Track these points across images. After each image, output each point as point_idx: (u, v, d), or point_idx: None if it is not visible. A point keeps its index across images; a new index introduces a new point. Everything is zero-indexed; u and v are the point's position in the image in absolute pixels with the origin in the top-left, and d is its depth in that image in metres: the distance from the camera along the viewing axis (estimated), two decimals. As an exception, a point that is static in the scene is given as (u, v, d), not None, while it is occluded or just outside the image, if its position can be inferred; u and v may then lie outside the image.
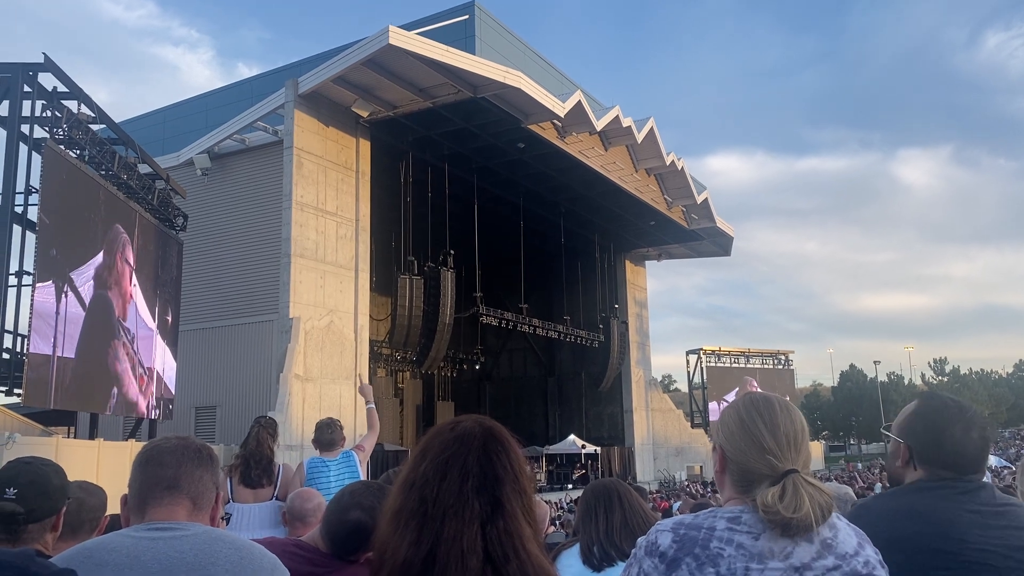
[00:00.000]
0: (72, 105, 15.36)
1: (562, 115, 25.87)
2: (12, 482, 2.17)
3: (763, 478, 1.66)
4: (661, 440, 40.83)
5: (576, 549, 2.79)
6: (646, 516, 2.84)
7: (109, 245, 16.10)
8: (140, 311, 17.70)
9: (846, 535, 1.68)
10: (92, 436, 16.77)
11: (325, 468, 5.26)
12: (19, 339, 14.13)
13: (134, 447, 16.69)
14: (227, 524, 4.47)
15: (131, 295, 17.22)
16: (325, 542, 2.33)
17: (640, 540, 1.73)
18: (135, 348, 17.40)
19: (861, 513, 2.10)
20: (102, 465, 14.90)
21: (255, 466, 5.14)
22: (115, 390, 16.41)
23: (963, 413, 2.19)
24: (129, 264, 16.99)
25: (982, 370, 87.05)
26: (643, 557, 1.68)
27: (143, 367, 17.81)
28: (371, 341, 26.09)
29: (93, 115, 16.20)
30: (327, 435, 5.44)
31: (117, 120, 18.49)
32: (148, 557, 1.61)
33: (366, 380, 6.48)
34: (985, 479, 2.22)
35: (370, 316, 25.77)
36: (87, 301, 15.30)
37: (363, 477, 5.35)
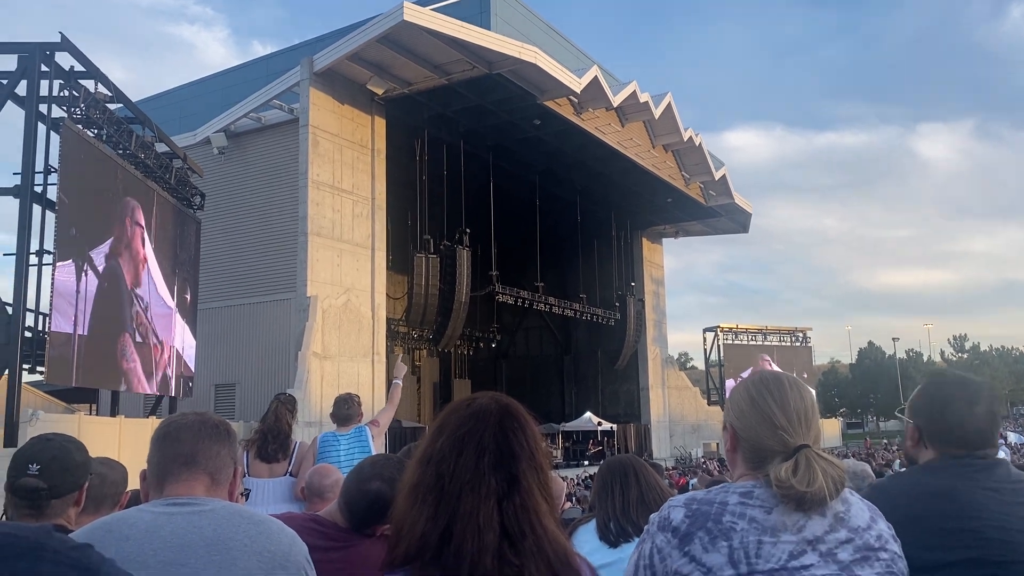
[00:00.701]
0: (89, 84, 15.41)
1: (578, 91, 25.67)
2: (35, 458, 2.20)
3: (775, 454, 1.67)
4: (677, 417, 40.87)
5: (592, 525, 2.80)
6: (662, 492, 2.84)
7: (120, 215, 16.00)
8: (156, 282, 17.57)
9: (859, 509, 1.70)
10: (113, 413, 17.01)
11: (336, 442, 5.32)
12: (40, 317, 14.32)
13: (155, 424, 16.83)
14: (246, 500, 4.52)
15: (145, 258, 16.98)
16: (344, 513, 2.35)
17: (653, 516, 1.75)
18: (148, 316, 17.24)
19: (877, 494, 2.09)
20: (124, 442, 15.11)
21: (272, 441, 5.20)
22: (125, 367, 16.33)
23: (966, 388, 2.16)
24: (140, 225, 16.74)
25: (1002, 347, 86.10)
26: (656, 532, 1.69)
27: (157, 337, 17.72)
28: (388, 319, 26.18)
29: (110, 94, 16.26)
30: (344, 410, 5.49)
31: (133, 99, 18.55)
32: (167, 532, 1.63)
33: (400, 362, 6.48)
34: (1001, 454, 2.20)
35: (387, 295, 25.86)
36: (100, 276, 15.26)
37: (374, 452, 5.40)
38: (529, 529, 1.55)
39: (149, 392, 17.98)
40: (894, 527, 1.77)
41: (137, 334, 16.76)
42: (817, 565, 1.58)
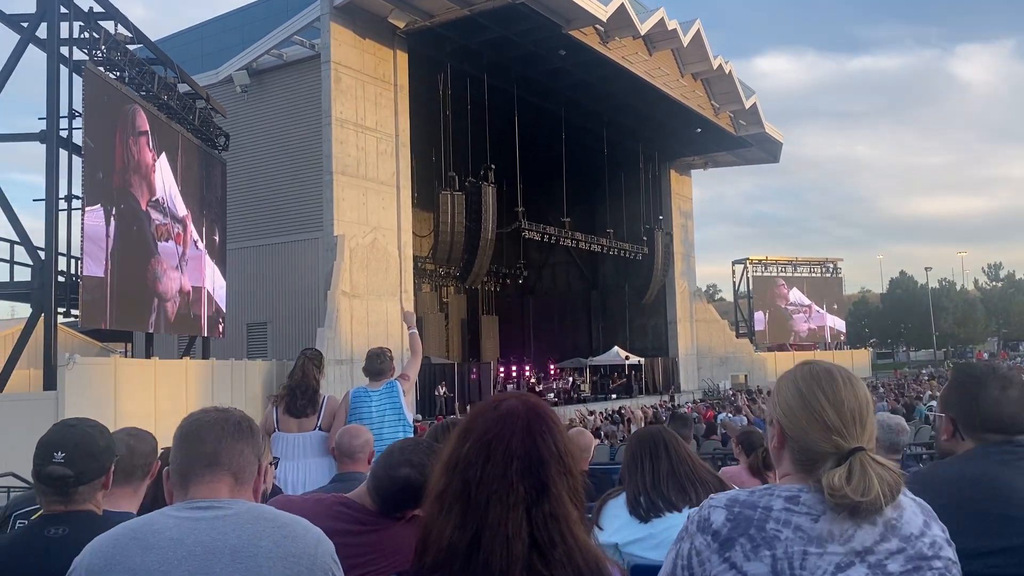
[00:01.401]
0: (109, 26, 15.25)
1: (604, 19, 24.95)
2: (59, 446, 2.19)
3: (826, 457, 1.57)
4: (705, 350, 40.87)
5: (622, 499, 2.75)
6: (693, 464, 2.78)
7: (122, 134, 15.31)
8: (168, 185, 17.16)
9: (912, 514, 1.59)
10: (148, 353, 17.32)
11: (367, 398, 5.34)
12: (73, 261, 14.49)
13: (189, 365, 17.21)
14: (276, 468, 4.56)
15: (153, 162, 16.45)
16: (373, 498, 2.33)
17: (692, 513, 1.67)
18: (168, 206, 16.90)
19: (918, 481, 2.01)
20: (159, 383, 15.41)
21: (300, 396, 5.24)
22: (155, 303, 16.36)
23: (996, 372, 2.17)
24: (144, 133, 16.18)
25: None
26: (695, 533, 1.62)
27: (178, 220, 17.53)
28: (415, 257, 26.21)
29: (130, 35, 16.10)
30: (376, 364, 5.49)
31: (154, 38, 18.35)
32: (191, 540, 1.60)
33: (408, 307, 6.52)
34: None
35: (413, 232, 25.83)
36: (115, 215, 14.93)
37: (407, 405, 5.42)
38: (559, 538, 1.50)
39: (195, 314, 17.75)
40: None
41: (161, 243, 16.58)
42: None
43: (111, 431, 2.54)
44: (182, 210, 17.84)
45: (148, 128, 16.36)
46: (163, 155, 16.96)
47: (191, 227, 18.28)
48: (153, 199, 16.47)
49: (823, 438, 1.58)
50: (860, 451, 1.55)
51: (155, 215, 16.48)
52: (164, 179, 17.04)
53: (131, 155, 15.72)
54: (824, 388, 1.62)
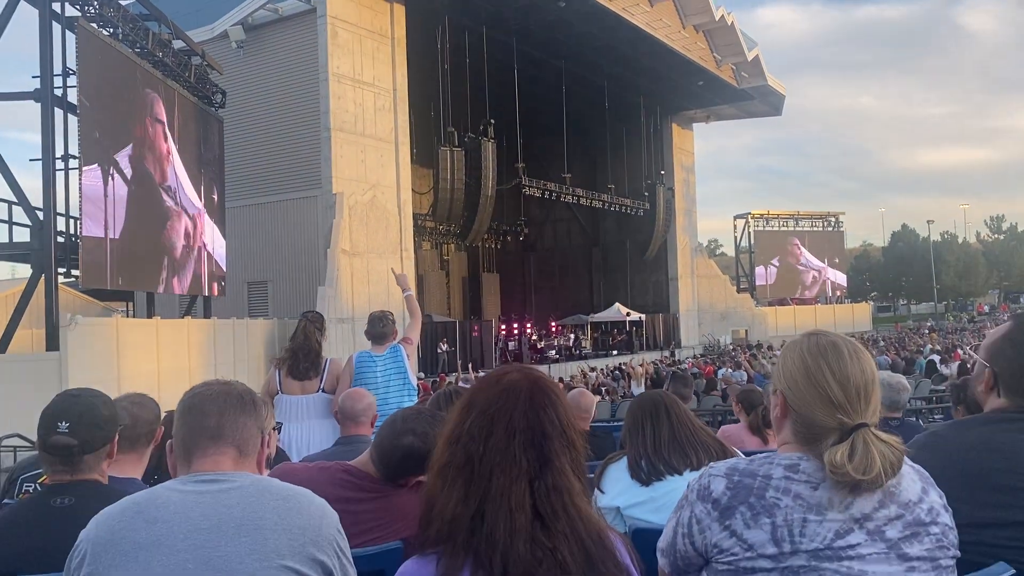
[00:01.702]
0: (99, -20, 14.96)
1: (605, -30, 24.50)
2: (63, 416, 2.20)
3: (829, 431, 1.57)
4: (706, 306, 40.94)
5: (624, 463, 2.77)
6: (694, 428, 2.78)
7: (139, 114, 15.83)
8: (180, 175, 17.58)
9: (910, 481, 1.61)
10: (150, 313, 17.36)
11: (372, 363, 5.35)
12: (72, 222, 14.43)
13: (190, 324, 17.26)
14: (279, 432, 4.59)
15: (168, 151, 16.96)
16: (377, 466, 2.35)
17: (692, 482, 1.69)
18: (179, 199, 17.40)
19: (932, 442, 1.99)
20: (161, 343, 15.47)
21: (303, 359, 5.26)
22: (166, 263, 16.62)
23: None
24: (161, 122, 16.63)
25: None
26: (695, 501, 1.64)
27: (189, 215, 17.88)
28: (415, 214, 26.08)
29: (122, -11, 15.81)
30: (379, 328, 5.48)
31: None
32: (197, 514, 1.61)
33: (400, 270, 6.47)
34: None
35: (413, 190, 25.66)
36: (129, 180, 15.29)
37: (411, 370, 5.44)
38: (562, 510, 1.51)
39: (189, 286, 18.20)
40: (948, 481, 1.68)
41: (174, 220, 17.04)
42: (864, 544, 1.52)
43: (114, 398, 2.56)
44: (196, 204, 18.17)
45: (166, 119, 16.73)
46: (174, 150, 17.29)
47: (201, 221, 18.44)
48: (165, 184, 16.77)
49: (827, 414, 1.58)
50: (863, 427, 1.55)
51: (167, 199, 16.74)
52: (177, 171, 17.43)
53: (148, 136, 16.14)
54: (830, 363, 1.61)
